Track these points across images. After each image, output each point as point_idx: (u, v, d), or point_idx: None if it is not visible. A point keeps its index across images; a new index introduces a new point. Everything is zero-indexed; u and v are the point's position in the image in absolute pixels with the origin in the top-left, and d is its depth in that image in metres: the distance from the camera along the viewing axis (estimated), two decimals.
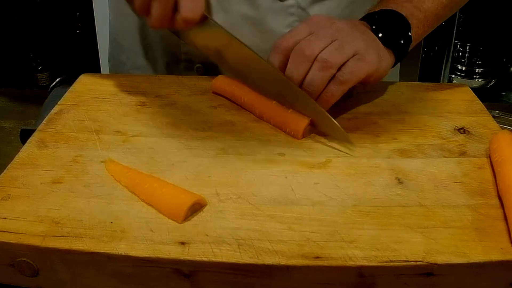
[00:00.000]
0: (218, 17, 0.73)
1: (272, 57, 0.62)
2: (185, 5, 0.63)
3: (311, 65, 0.60)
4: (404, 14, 0.66)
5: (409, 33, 0.66)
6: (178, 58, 0.79)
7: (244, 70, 0.66)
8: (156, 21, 0.65)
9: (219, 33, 0.65)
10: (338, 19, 0.64)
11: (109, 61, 0.91)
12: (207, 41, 0.67)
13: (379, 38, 0.64)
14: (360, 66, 0.60)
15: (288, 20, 0.73)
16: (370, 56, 0.61)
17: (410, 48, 0.67)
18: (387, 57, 0.65)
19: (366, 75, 0.61)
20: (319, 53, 0.59)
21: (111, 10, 0.88)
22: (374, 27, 0.65)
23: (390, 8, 0.66)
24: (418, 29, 0.67)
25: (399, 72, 0.92)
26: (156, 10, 0.64)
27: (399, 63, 0.86)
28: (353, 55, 0.60)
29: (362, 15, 0.73)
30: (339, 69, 0.60)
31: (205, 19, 0.65)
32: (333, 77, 0.60)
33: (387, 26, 0.65)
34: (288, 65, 0.61)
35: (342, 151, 0.58)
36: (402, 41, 0.65)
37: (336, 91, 0.60)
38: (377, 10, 0.67)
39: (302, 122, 0.60)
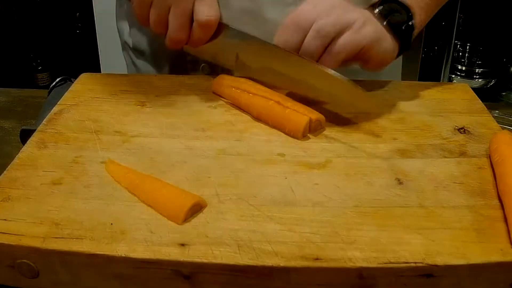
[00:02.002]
0: None
1: (277, 35, 0.64)
2: (201, 11, 0.65)
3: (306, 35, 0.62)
4: (407, 3, 0.67)
5: (411, 22, 0.67)
6: (184, 59, 0.79)
7: (263, 67, 0.67)
8: (174, 33, 0.67)
9: (236, 36, 0.66)
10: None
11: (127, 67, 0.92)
12: (225, 50, 0.68)
13: (382, 25, 0.65)
14: (354, 38, 0.62)
15: (286, 10, 0.73)
16: (366, 29, 0.63)
17: (414, 36, 0.69)
18: (388, 39, 0.65)
19: (361, 48, 0.63)
20: (313, 23, 0.61)
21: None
22: (376, 13, 0.66)
23: None
24: (420, 16, 0.68)
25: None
26: (173, 22, 0.66)
27: (401, 59, 0.87)
28: (348, 27, 0.62)
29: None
30: (333, 39, 0.62)
31: (221, 28, 0.67)
32: (327, 48, 0.62)
33: (389, 13, 0.66)
34: (286, 37, 0.63)
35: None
36: (403, 27, 0.66)
37: (329, 62, 0.62)
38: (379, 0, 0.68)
39: (301, 122, 0.60)
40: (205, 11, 0.65)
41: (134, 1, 0.68)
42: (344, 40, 0.61)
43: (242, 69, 0.69)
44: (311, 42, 0.62)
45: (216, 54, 0.70)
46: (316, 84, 0.63)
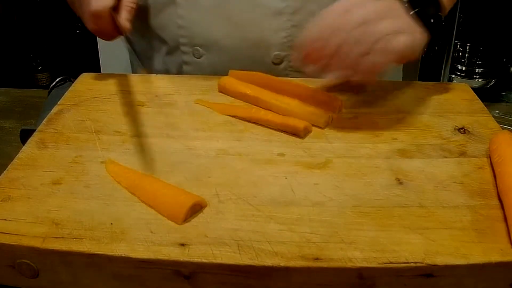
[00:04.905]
0: None
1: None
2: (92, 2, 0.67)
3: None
4: None
5: (439, 10, 0.65)
6: (177, 44, 0.80)
7: None
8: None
9: None
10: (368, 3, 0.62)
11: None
12: None
13: (410, 10, 0.62)
14: (387, 53, 0.59)
15: None
16: (402, 36, 0.59)
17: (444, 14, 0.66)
18: (420, 32, 0.62)
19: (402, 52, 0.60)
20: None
21: None
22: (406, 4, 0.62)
23: None
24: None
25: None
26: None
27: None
28: (380, 40, 0.58)
29: None
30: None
31: None
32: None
33: (418, 4, 0.63)
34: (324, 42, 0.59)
35: None
36: (432, 20, 0.63)
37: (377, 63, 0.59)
38: None
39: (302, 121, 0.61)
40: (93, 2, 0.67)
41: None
42: (376, 58, 0.59)
43: None
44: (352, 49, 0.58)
45: None
46: None
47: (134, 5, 0.70)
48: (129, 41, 0.89)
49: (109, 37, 0.70)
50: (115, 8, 0.69)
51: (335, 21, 0.59)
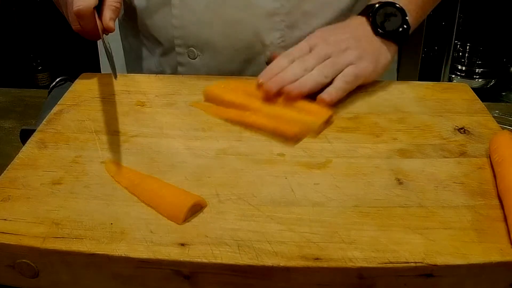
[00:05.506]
0: None
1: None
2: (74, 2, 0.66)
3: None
4: (401, 4, 0.71)
5: (406, 25, 0.71)
6: (172, 45, 0.80)
7: None
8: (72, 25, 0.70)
9: None
10: (333, 30, 0.71)
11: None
12: None
13: (377, 31, 0.70)
14: (355, 73, 0.67)
15: None
16: (364, 63, 0.68)
17: (411, 31, 0.73)
18: (385, 54, 0.71)
19: (362, 81, 0.69)
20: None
21: None
22: (371, 20, 0.71)
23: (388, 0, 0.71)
24: (417, 14, 0.73)
25: (398, 72, 0.93)
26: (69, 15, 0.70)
27: (397, 62, 0.89)
28: (347, 65, 0.67)
29: None
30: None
31: None
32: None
33: (385, 19, 0.71)
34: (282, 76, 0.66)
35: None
36: (400, 29, 0.71)
37: (336, 93, 0.66)
38: (375, 2, 0.71)
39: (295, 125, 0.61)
40: (76, 2, 0.66)
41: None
42: (345, 77, 0.67)
43: None
44: (311, 78, 0.65)
45: None
46: None
47: (118, 5, 0.69)
48: (122, 41, 0.90)
49: (93, 37, 0.69)
50: (99, 8, 0.68)
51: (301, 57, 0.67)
